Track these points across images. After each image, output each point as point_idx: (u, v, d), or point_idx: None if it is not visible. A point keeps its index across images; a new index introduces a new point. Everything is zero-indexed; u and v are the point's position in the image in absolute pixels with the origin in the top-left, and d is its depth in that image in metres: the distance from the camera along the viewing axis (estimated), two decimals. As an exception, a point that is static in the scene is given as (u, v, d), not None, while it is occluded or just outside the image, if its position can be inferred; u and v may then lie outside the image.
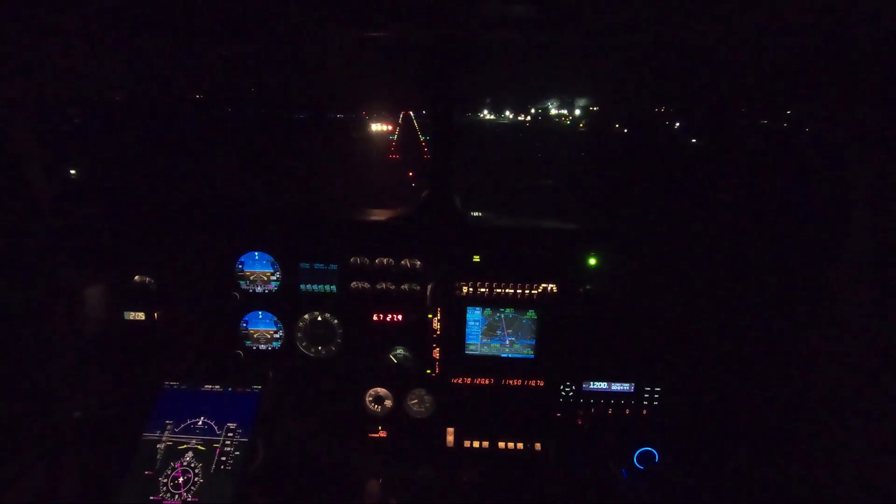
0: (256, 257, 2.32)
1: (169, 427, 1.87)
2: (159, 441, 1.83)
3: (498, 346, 2.33)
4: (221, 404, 1.96)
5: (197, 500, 1.72)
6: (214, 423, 1.90)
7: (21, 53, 1.87)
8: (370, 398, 2.45)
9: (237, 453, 1.83)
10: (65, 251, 2.14)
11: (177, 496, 1.73)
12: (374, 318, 2.35)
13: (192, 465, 1.79)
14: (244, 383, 2.03)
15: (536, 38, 2.17)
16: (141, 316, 2.33)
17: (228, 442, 1.86)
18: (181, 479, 1.76)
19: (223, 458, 1.82)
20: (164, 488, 1.74)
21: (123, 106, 2.67)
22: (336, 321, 2.37)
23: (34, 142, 1.99)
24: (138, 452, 1.80)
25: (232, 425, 1.90)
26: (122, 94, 2.66)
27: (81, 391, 2.12)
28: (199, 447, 1.83)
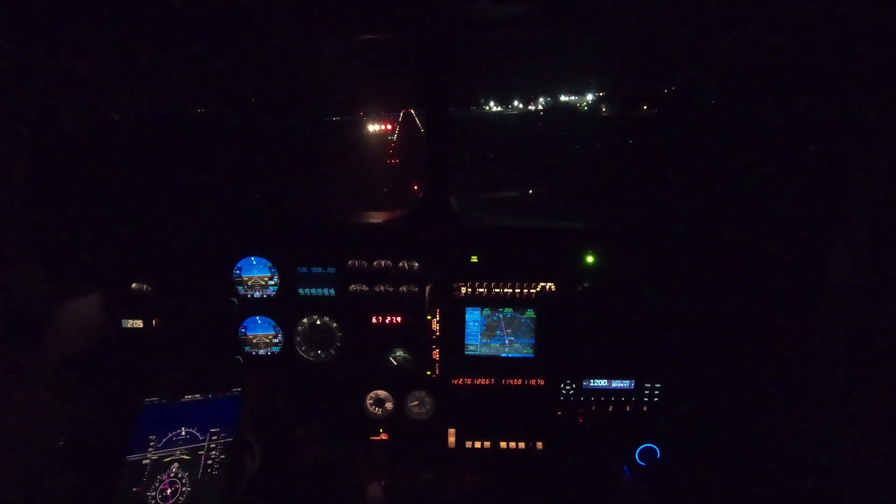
0: (254, 262, 2.32)
1: (152, 443, 1.88)
2: (144, 458, 1.84)
3: (497, 345, 2.34)
4: (203, 412, 1.97)
5: None
6: (197, 431, 1.91)
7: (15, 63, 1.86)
8: (371, 401, 2.44)
9: (223, 456, 1.85)
10: (57, 260, 2.13)
11: None
12: (373, 320, 2.35)
13: (179, 475, 1.81)
14: (225, 388, 2.04)
15: (531, 34, 2.18)
16: (139, 324, 2.32)
17: (213, 446, 1.88)
18: (169, 491, 1.78)
19: (209, 463, 1.84)
20: (153, 501, 1.76)
21: (119, 113, 2.66)
22: (335, 325, 2.37)
23: (27, 151, 1.98)
24: (124, 472, 1.81)
25: (215, 430, 1.92)
26: (120, 110, 2.65)
27: (67, 412, 2.10)
28: (185, 457, 1.85)
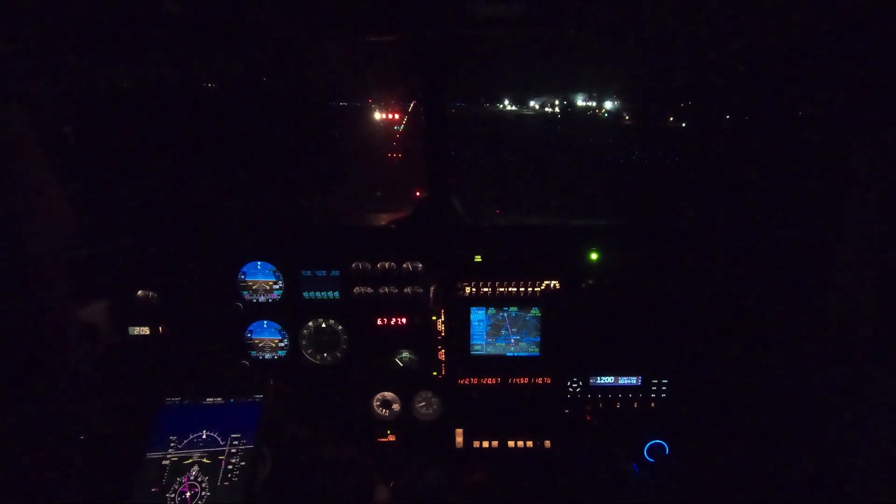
0: (258, 267, 2.32)
1: (173, 443, 1.88)
2: (164, 458, 1.84)
3: (503, 345, 2.33)
4: (224, 416, 1.96)
5: None
6: (218, 435, 1.90)
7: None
8: (378, 403, 2.44)
9: (243, 463, 1.84)
10: (65, 269, 2.14)
11: None
12: (378, 322, 2.35)
13: (199, 478, 1.80)
14: (246, 393, 2.04)
15: (547, 34, 2.17)
16: (145, 331, 2.33)
17: (234, 451, 1.87)
18: (188, 494, 1.77)
19: (229, 469, 1.83)
20: (172, 503, 1.75)
21: (119, 118, 2.67)
22: (340, 327, 2.37)
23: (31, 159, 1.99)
24: (143, 471, 1.81)
25: (236, 436, 1.90)
26: (125, 87, 2.63)
27: (87, 410, 2.11)
28: (205, 460, 1.84)
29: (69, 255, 2.05)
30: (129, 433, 2.09)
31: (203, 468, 1.82)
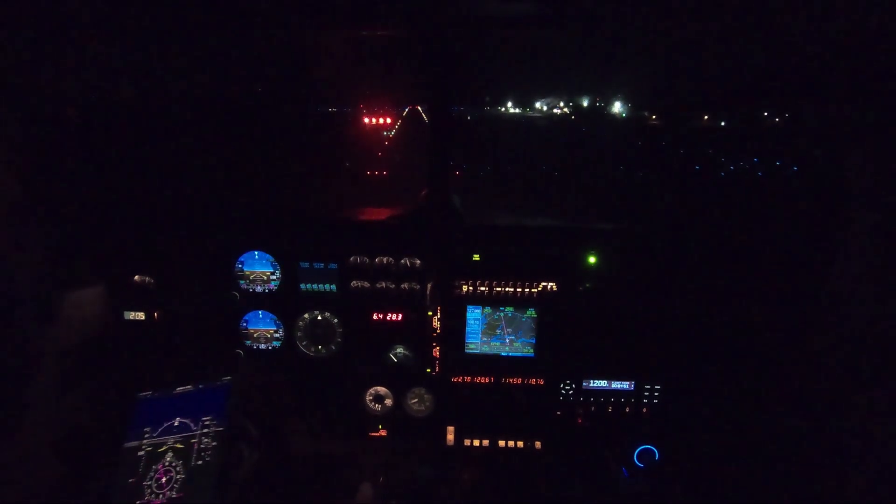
0: (256, 257, 2.32)
1: (147, 433, 1.92)
2: (139, 449, 1.87)
3: (498, 344, 2.34)
4: (195, 402, 2.00)
5: (182, 495, 1.77)
6: (190, 421, 1.94)
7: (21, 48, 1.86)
8: (370, 397, 2.45)
9: (214, 443, 1.88)
10: (66, 252, 2.14)
11: (161, 496, 1.77)
12: (374, 317, 2.35)
13: (173, 463, 1.84)
14: (215, 377, 2.05)
15: (545, 35, 2.16)
16: (141, 316, 2.33)
17: (206, 431, 1.91)
18: (164, 479, 1.81)
19: (201, 449, 1.87)
20: (149, 490, 1.79)
21: (122, 104, 2.66)
22: (336, 320, 2.37)
23: (30, 142, 1.99)
24: (121, 465, 1.84)
25: (207, 418, 1.94)
26: (127, 90, 2.63)
27: (65, 401, 2.11)
28: (178, 445, 1.88)
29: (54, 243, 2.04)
30: (104, 430, 2.10)
31: (176, 453, 1.87)
